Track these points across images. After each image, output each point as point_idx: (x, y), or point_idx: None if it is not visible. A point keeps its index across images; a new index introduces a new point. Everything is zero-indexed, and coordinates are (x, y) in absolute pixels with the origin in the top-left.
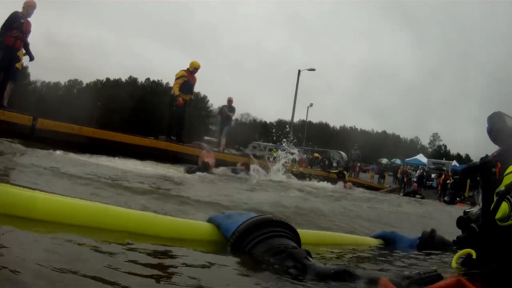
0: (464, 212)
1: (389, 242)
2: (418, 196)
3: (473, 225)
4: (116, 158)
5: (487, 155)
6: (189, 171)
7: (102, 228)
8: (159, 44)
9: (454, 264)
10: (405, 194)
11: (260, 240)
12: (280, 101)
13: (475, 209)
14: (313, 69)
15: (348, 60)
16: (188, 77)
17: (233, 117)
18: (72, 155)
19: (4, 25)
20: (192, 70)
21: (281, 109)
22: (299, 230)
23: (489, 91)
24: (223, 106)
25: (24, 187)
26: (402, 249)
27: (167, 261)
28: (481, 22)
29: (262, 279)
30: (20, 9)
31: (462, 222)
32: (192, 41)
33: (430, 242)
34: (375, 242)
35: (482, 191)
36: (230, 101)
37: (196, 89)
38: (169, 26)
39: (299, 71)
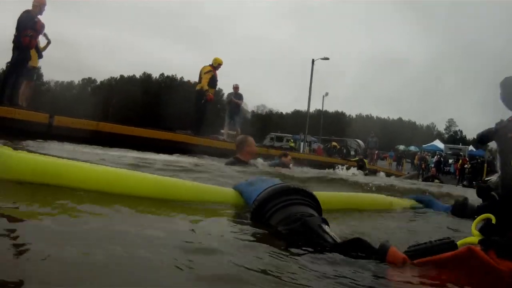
0: (484, 180)
1: (425, 205)
2: (436, 181)
3: (493, 193)
4: (139, 151)
5: (501, 120)
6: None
7: (131, 194)
8: (168, 40)
9: (473, 230)
10: (424, 180)
11: (278, 208)
12: (295, 92)
13: (494, 177)
14: (327, 58)
15: (359, 48)
16: (213, 73)
17: (249, 109)
18: (92, 149)
19: (19, 24)
20: (216, 66)
21: (296, 100)
22: (328, 193)
23: (502, 75)
24: (230, 94)
25: (51, 155)
26: (435, 212)
27: (189, 225)
28: (493, 7)
29: (271, 249)
30: (27, 8)
31: (482, 190)
32: (201, 35)
33: (463, 210)
34: (410, 202)
35: (499, 158)
36: (236, 88)
37: None
38: (176, 21)
39: (313, 60)
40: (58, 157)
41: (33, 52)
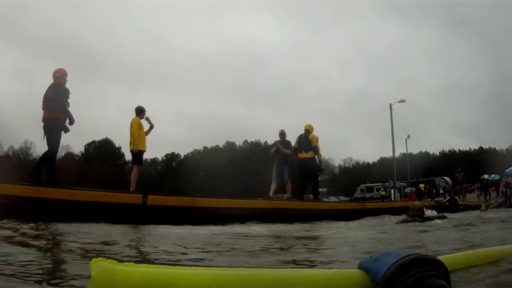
0: None
1: None
2: None
3: None
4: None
5: None
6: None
7: None
8: (243, 104)
9: None
10: (509, 206)
11: (408, 284)
12: (377, 139)
13: None
14: (403, 100)
15: (428, 84)
16: None
17: (335, 163)
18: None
19: (59, 98)
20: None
21: (380, 147)
22: (449, 256)
23: None
24: (276, 142)
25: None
26: None
27: None
28: None
29: None
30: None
31: None
32: (274, 95)
33: None
34: None
35: None
36: (283, 134)
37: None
38: (248, 84)
39: (391, 105)
40: (171, 265)
41: (141, 135)
